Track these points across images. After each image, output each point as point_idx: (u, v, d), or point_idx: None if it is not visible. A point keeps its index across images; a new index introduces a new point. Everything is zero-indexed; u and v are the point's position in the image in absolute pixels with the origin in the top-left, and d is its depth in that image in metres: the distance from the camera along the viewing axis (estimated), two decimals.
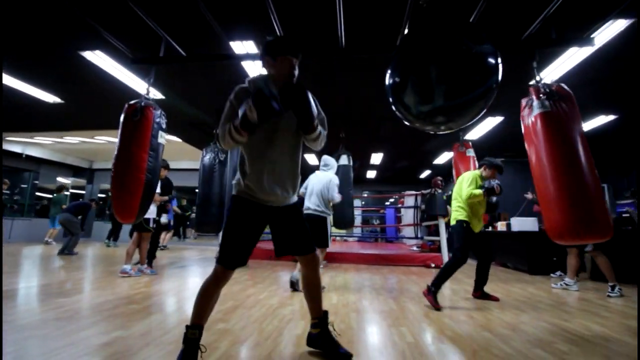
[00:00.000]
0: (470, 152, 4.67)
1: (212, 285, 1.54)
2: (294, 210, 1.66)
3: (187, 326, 1.49)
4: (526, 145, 2.37)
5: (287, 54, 1.54)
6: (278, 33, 2.80)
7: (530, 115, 2.30)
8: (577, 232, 1.97)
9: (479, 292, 3.16)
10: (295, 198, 1.70)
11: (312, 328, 1.73)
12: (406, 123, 1.96)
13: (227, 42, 3.26)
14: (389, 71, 1.88)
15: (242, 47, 3.39)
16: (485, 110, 1.72)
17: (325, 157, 3.63)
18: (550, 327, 2.27)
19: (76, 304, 2.54)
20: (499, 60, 1.61)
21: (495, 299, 3.09)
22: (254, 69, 3.80)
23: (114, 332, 1.92)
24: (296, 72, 1.57)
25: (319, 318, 1.70)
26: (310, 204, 3.39)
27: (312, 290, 1.71)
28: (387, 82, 1.91)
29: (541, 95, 2.25)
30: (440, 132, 1.92)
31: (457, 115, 1.66)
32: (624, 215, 5.18)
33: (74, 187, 11.60)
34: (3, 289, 2.15)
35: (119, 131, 2.56)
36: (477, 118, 1.76)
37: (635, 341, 2.01)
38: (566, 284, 3.90)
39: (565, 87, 2.27)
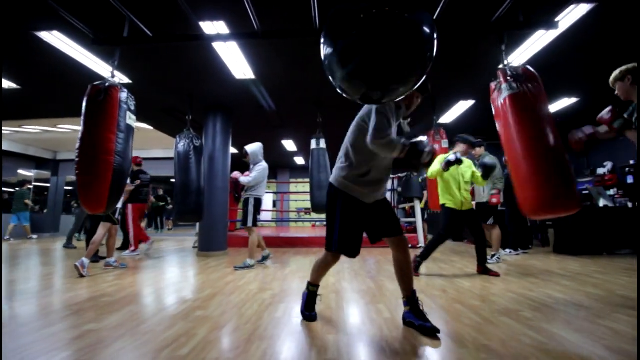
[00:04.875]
0: (445, 144, 4.67)
1: (328, 264, 1.95)
2: (385, 201, 1.95)
3: (308, 282, 2.02)
4: (497, 127, 2.44)
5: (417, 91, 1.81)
6: (250, 13, 2.70)
7: (500, 98, 2.37)
8: (550, 207, 2.05)
9: (481, 268, 3.34)
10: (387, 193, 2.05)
11: (404, 306, 1.88)
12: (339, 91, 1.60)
13: (196, 22, 3.11)
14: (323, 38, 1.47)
15: (213, 27, 3.24)
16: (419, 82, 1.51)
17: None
18: (516, 297, 2.42)
19: (44, 300, 2.43)
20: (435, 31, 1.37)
21: (495, 275, 3.23)
22: (226, 50, 3.67)
23: (85, 325, 1.86)
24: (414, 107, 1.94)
25: (408, 297, 1.84)
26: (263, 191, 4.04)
27: (403, 271, 1.86)
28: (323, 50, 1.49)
29: (509, 77, 2.32)
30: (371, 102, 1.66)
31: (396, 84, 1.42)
32: (584, 192, 5.52)
33: (37, 180, 10.93)
34: None
35: (82, 114, 2.37)
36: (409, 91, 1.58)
37: (596, 304, 2.18)
38: (498, 258, 4.14)
39: (531, 69, 2.34)
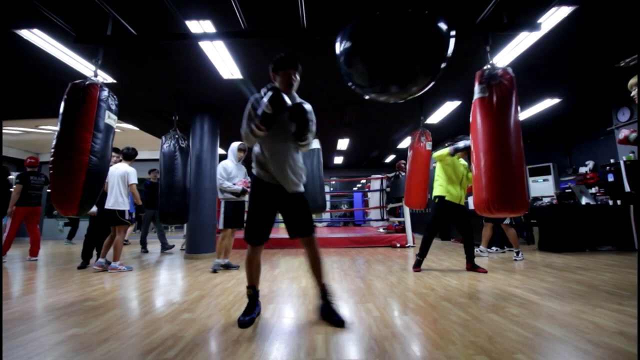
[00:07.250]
0: (429, 146, 4.40)
1: (249, 258, 1.99)
2: (299, 198, 1.99)
3: (247, 286, 2.05)
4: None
5: (285, 68, 1.92)
6: (237, 12, 2.68)
7: (473, 99, 2.42)
8: (494, 206, 2.15)
9: (469, 265, 3.47)
10: (301, 188, 2.02)
11: (318, 300, 2.01)
12: (359, 91, 1.88)
13: (182, 20, 3.07)
14: (342, 36, 1.75)
15: (199, 26, 3.20)
16: (432, 82, 1.74)
17: None
18: (502, 294, 2.46)
19: (25, 305, 2.35)
20: (453, 33, 1.65)
21: (483, 271, 3.34)
22: (213, 50, 3.63)
23: (68, 330, 1.80)
24: (295, 82, 1.97)
25: (320, 291, 2.00)
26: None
27: (313, 267, 2.01)
28: (340, 47, 1.77)
29: (483, 80, 2.34)
30: (392, 101, 1.91)
31: (410, 83, 1.67)
32: (566, 190, 5.66)
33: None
34: None
35: (60, 113, 2.28)
36: (425, 89, 1.78)
37: (579, 299, 2.24)
38: (480, 251, 4.54)
39: (510, 71, 2.34)
